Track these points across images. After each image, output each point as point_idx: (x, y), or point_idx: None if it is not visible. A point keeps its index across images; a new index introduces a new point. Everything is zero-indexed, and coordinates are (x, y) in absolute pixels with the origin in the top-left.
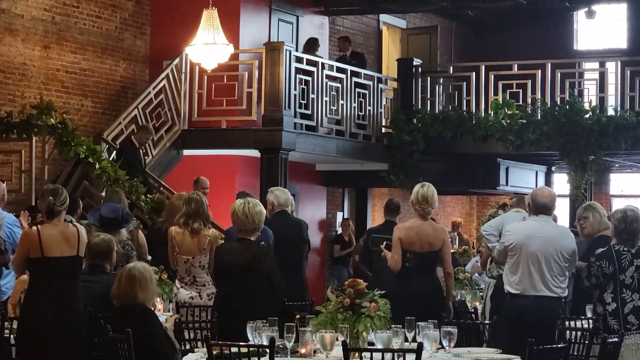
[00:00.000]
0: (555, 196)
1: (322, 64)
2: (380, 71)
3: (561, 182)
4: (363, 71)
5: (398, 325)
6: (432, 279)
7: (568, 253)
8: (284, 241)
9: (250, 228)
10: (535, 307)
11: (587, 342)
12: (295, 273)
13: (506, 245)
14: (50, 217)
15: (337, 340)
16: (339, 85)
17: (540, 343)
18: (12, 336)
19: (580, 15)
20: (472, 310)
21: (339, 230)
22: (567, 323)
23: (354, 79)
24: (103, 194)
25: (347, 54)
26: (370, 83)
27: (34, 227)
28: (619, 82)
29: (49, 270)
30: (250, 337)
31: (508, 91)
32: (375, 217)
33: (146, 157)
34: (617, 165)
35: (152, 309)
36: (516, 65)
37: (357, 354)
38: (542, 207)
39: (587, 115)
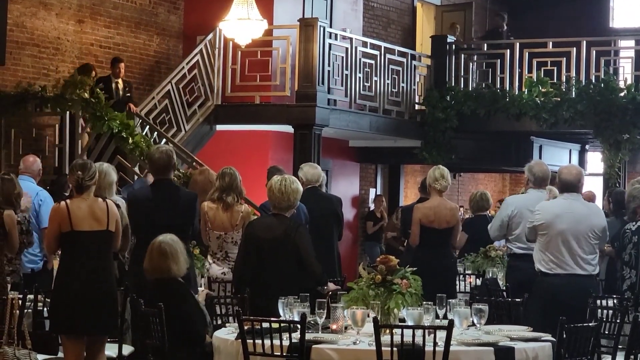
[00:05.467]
0: (583, 174)
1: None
2: (414, 48)
3: (595, 161)
4: (397, 48)
5: (429, 302)
6: (448, 253)
7: (599, 230)
8: (313, 217)
9: (285, 205)
10: (567, 286)
11: (618, 320)
12: (327, 249)
13: (535, 225)
14: (80, 192)
15: (368, 316)
16: (373, 61)
17: (573, 321)
18: (45, 309)
19: None
20: (504, 288)
21: (372, 207)
22: (598, 302)
23: (388, 56)
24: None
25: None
26: (404, 60)
27: (62, 202)
28: None
29: (78, 244)
30: (281, 312)
31: (542, 69)
32: (407, 194)
33: (179, 132)
34: None
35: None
36: (551, 43)
37: (387, 331)
38: (569, 185)
39: (622, 94)
